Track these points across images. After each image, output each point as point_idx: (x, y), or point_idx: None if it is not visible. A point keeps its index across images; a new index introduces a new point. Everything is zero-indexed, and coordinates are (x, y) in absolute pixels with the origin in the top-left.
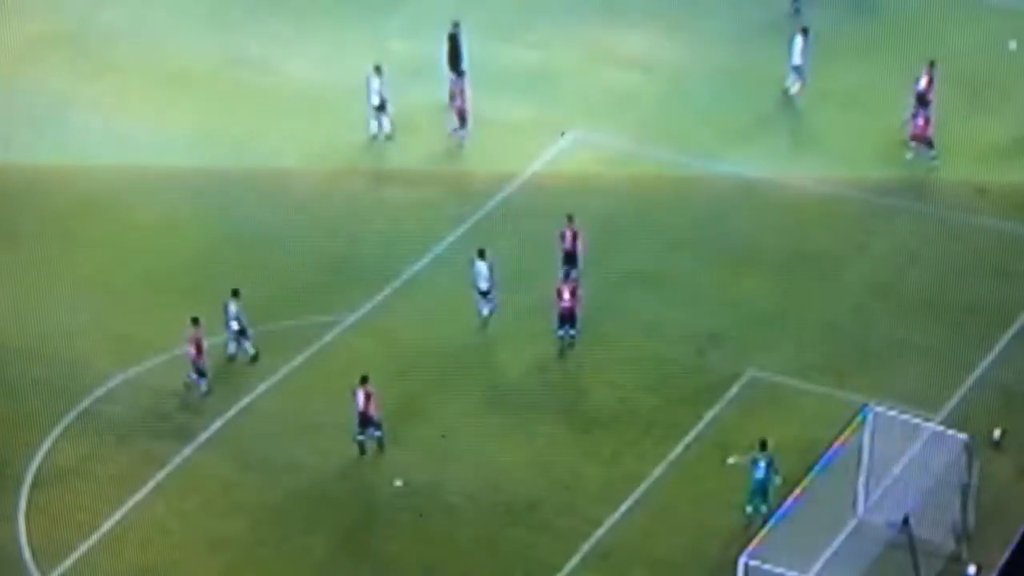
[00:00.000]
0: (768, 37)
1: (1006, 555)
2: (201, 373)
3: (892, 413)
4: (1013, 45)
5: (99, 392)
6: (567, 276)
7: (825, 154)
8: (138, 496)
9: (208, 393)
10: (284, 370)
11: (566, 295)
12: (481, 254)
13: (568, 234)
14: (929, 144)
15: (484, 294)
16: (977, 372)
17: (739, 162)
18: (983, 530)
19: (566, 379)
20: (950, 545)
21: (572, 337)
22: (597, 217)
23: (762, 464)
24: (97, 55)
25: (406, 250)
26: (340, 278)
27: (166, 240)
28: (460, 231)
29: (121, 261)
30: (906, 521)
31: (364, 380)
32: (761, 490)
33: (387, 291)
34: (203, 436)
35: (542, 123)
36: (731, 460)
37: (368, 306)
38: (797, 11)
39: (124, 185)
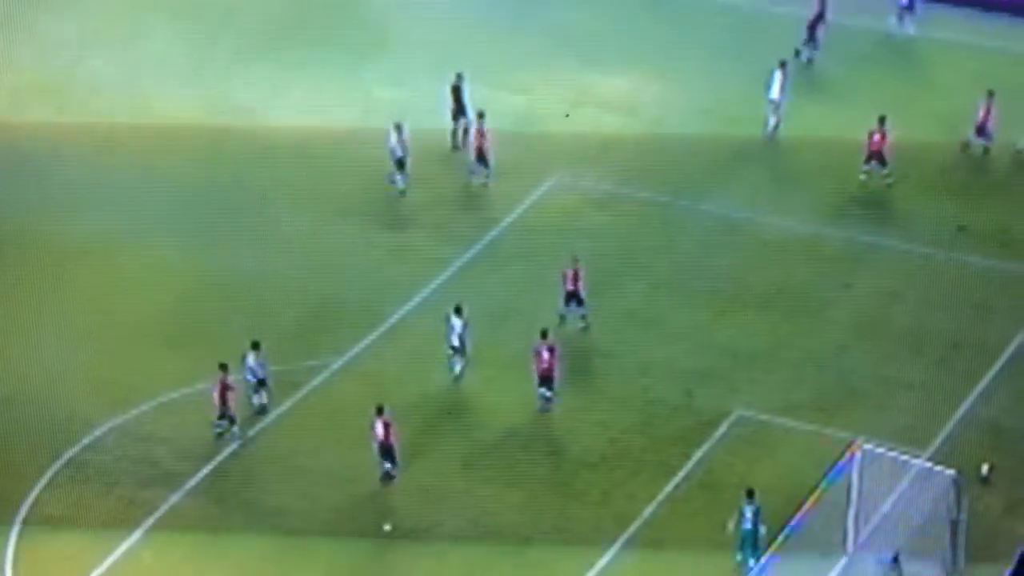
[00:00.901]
0: (745, 79)
1: None
2: (230, 418)
3: (880, 450)
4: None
5: (87, 440)
6: (544, 335)
7: (807, 193)
8: (126, 544)
9: (238, 437)
10: (271, 415)
11: (545, 355)
12: (457, 311)
13: (570, 274)
14: (882, 162)
15: (456, 350)
16: (963, 408)
17: (722, 202)
18: (974, 566)
19: (555, 420)
20: None
21: (548, 400)
22: (583, 258)
23: (749, 514)
24: (84, 104)
25: (393, 294)
26: (326, 322)
27: (153, 287)
28: (446, 274)
29: (108, 307)
30: (896, 558)
31: (380, 411)
32: (751, 538)
33: (374, 335)
34: (190, 482)
35: (527, 166)
36: (730, 526)
37: (355, 350)
38: (797, 54)
39: (111, 232)
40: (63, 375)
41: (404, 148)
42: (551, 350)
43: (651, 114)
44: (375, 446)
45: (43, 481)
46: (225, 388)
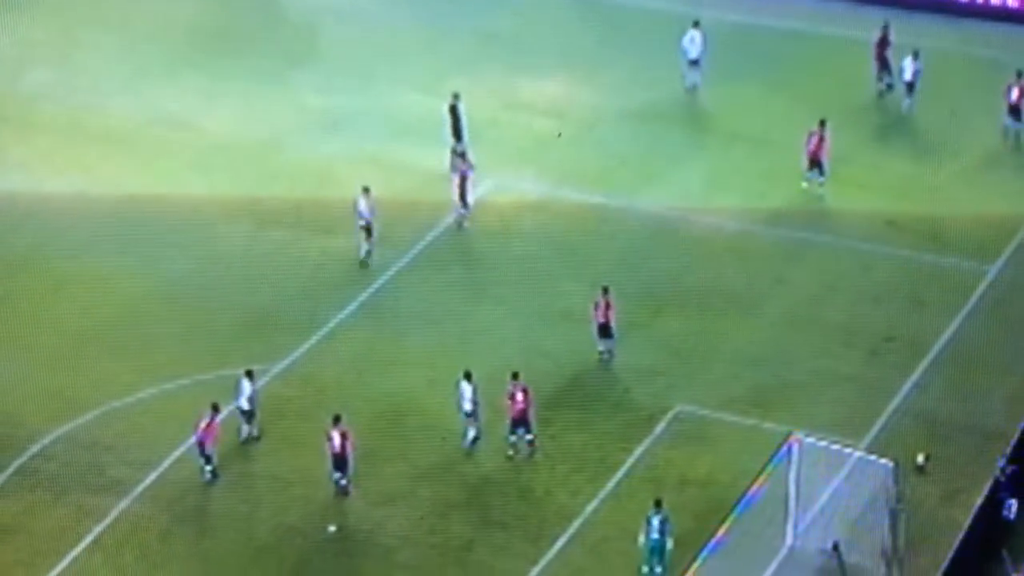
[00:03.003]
0: (671, 82)
1: None
2: (207, 459)
3: (817, 442)
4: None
5: (34, 449)
6: (516, 376)
7: (738, 192)
8: (76, 550)
9: (213, 479)
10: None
11: (519, 396)
12: (467, 376)
13: (601, 305)
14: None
15: (469, 415)
16: (898, 399)
17: (655, 202)
18: (913, 554)
19: (496, 420)
20: (881, 570)
21: (530, 443)
22: (519, 259)
23: (656, 523)
24: (23, 117)
25: (331, 299)
26: (265, 328)
27: (93, 296)
28: (384, 278)
29: (48, 318)
30: (836, 547)
31: (337, 420)
32: (658, 549)
33: (313, 340)
34: (138, 488)
35: None
36: (640, 539)
37: (294, 355)
38: (889, 87)
39: (51, 243)
40: (7, 386)
41: (372, 212)
42: (524, 391)
43: (583, 117)
44: (330, 457)
45: None
46: (212, 429)
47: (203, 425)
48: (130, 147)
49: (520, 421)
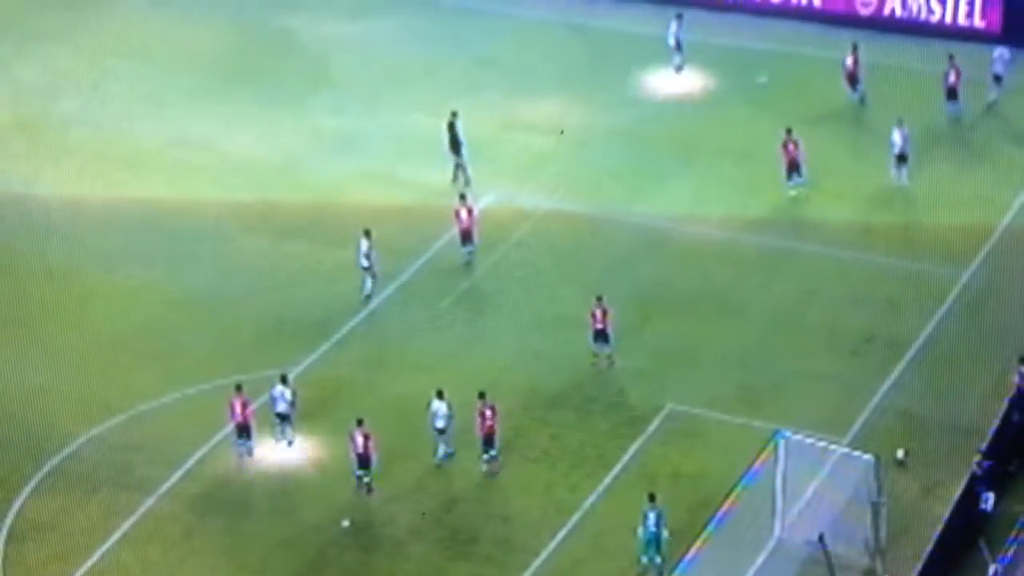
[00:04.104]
0: (659, 102)
1: (918, 568)
2: (247, 435)
3: (802, 438)
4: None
5: (67, 450)
6: (482, 396)
7: (724, 203)
8: (106, 545)
9: (250, 453)
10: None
11: (488, 414)
12: (439, 394)
13: (598, 313)
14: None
15: (441, 432)
16: (878, 397)
17: (645, 213)
18: (895, 545)
19: (499, 419)
20: (864, 560)
21: (493, 457)
22: (517, 267)
23: (652, 516)
24: (56, 141)
25: (342, 307)
26: (282, 335)
27: (122, 306)
28: (392, 288)
29: (79, 327)
30: (821, 539)
31: (360, 422)
32: (654, 541)
33: (326, 346)
34: (164, 487)
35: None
36: (639, 532)
37: (310, 359)
38: (861, 101)
39: (81, 256)
40: (41, 391)
41: (372, 256)
42: (492, 409)
43: (576, 135)
44: (353, 456)
45: (27, 489)
46: (245, 406)
47: (239, 408)
48: (155, 169)
49: (488, 438)
